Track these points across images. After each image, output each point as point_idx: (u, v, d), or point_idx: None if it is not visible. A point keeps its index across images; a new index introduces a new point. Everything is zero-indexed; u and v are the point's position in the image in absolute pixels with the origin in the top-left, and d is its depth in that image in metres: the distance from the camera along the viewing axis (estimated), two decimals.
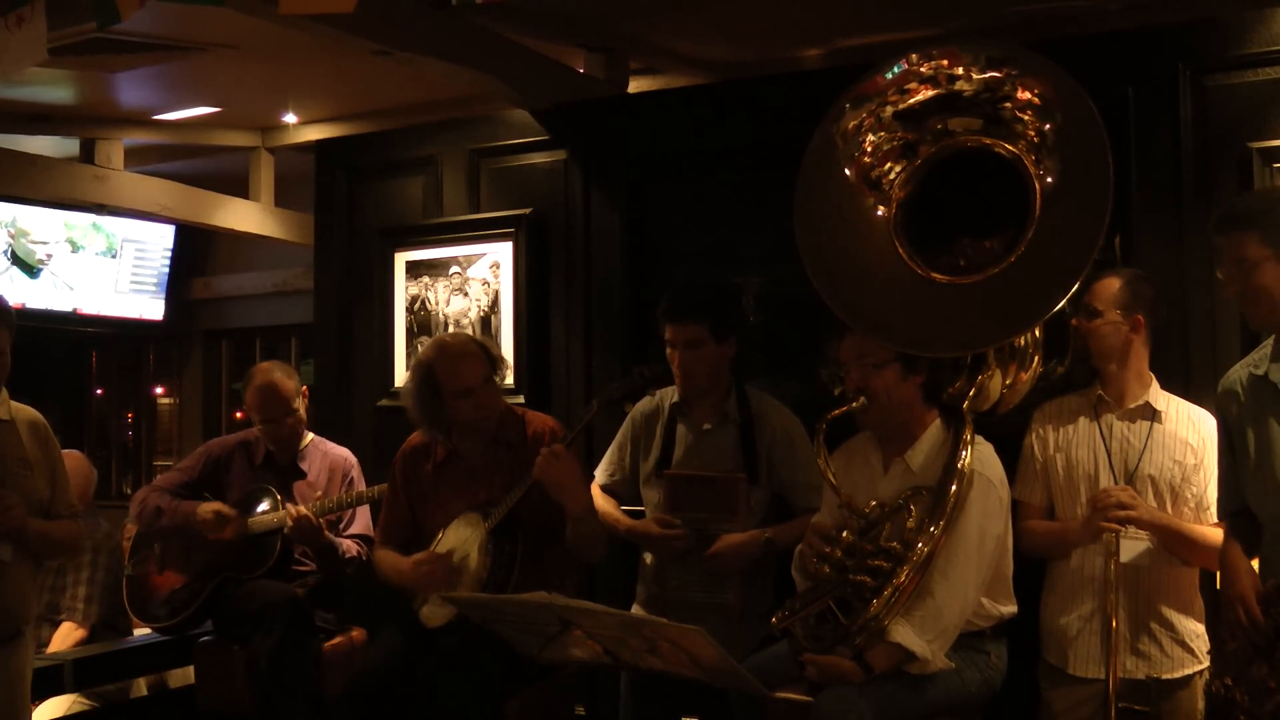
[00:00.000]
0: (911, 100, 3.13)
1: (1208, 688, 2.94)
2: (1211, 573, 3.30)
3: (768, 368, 4.41)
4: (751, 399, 3.69)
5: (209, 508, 4.18)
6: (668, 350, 3.63)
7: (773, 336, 4.53)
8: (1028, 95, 3.00)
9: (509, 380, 4.50)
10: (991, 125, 3.06)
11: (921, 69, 3.11)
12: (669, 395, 3.75)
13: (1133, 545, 3.17)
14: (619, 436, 3.86)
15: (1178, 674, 3.18)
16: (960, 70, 3.06)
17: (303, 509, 4.13)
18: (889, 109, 3.15)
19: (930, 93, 3.11)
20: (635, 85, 5.24)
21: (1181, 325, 3.65)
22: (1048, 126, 2.97)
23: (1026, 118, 2.99)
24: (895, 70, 3.14)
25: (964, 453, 3.05)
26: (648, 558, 3.74)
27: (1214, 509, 3.17)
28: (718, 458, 3.65)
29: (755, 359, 4.33)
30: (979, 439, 3.11)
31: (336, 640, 4.28)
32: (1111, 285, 3.26)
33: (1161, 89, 3.77)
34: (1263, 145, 3.60)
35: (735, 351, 3.66)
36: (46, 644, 4.60)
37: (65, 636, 4.64)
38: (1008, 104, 3.01)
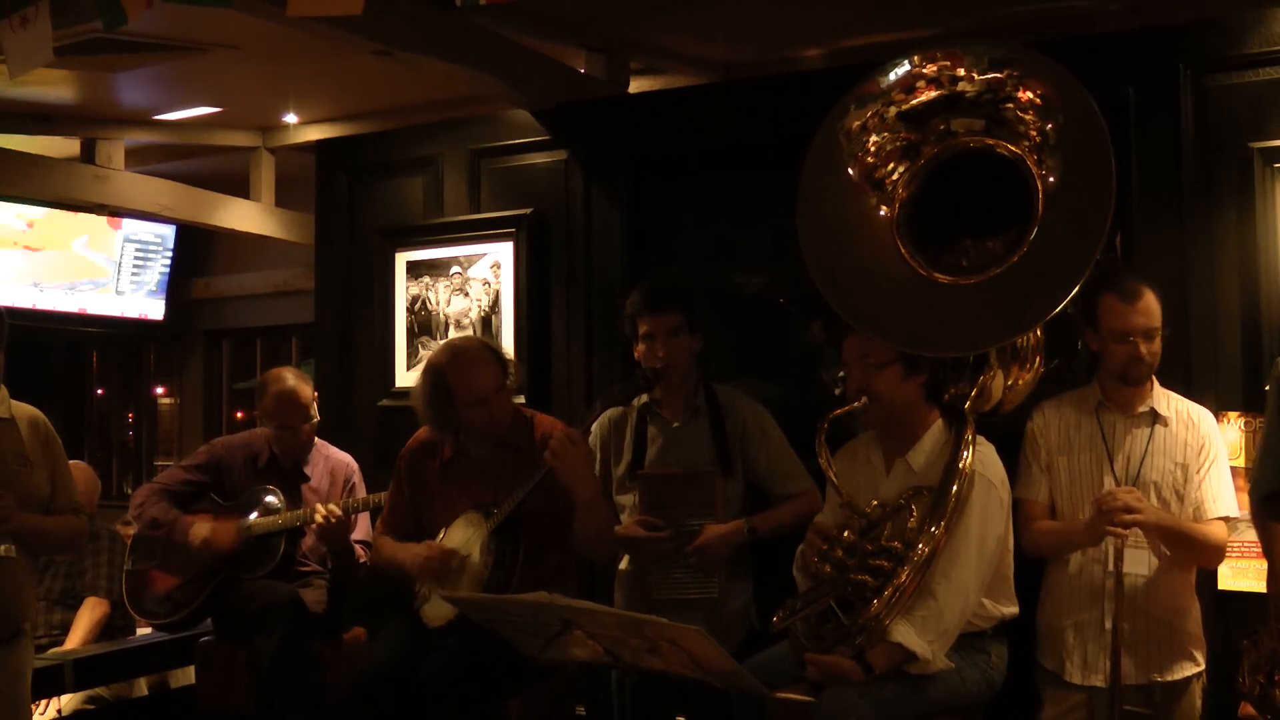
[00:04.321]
0: (915, 101, 3.14)
1: (1238, 684, 2.90)
2: (1210, 573, 3.31)
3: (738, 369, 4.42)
4: (719, 393, 3.71)
5: (201, 534, 4.14)
6: (644, 346, 3.60)
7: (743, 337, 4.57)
8: (1029, 95, 3.00)
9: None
10: (994, 126, 3.06)
11: (924, 70, 3.12)
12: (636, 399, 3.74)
13: (1136, 555, 3.15)
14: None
15: (1176, 677, 3.18)
16: (962, 71, 3.07)
17: (334, 508, 4.11)
18: (892, 109, 3.16)
19: (933, 93, 3.11)
20: (635, 85, 5.25)
21: (1182, 325, 3.64)
22: (1049, 126, 2.97)
23: (1029, 118, 3.00)
24: (898, 71, 3.15)
25: (965, 453, 3.05)
26: (624, 563, 3.73)
27: (1208, 505, 3.17)
28: (691, 452, 3.65)
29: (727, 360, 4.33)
30: (980, 439, 3.11)
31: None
32: (1154, 300, 3.19)
33: (1161, 89, 3.76)
34: (1263, 145, 3.60)
35: (701, 347, 3.68)
36: (69, 627, 4.60)
37: (91, 609, 4.63)
38: (1010, 104, 3.02)
